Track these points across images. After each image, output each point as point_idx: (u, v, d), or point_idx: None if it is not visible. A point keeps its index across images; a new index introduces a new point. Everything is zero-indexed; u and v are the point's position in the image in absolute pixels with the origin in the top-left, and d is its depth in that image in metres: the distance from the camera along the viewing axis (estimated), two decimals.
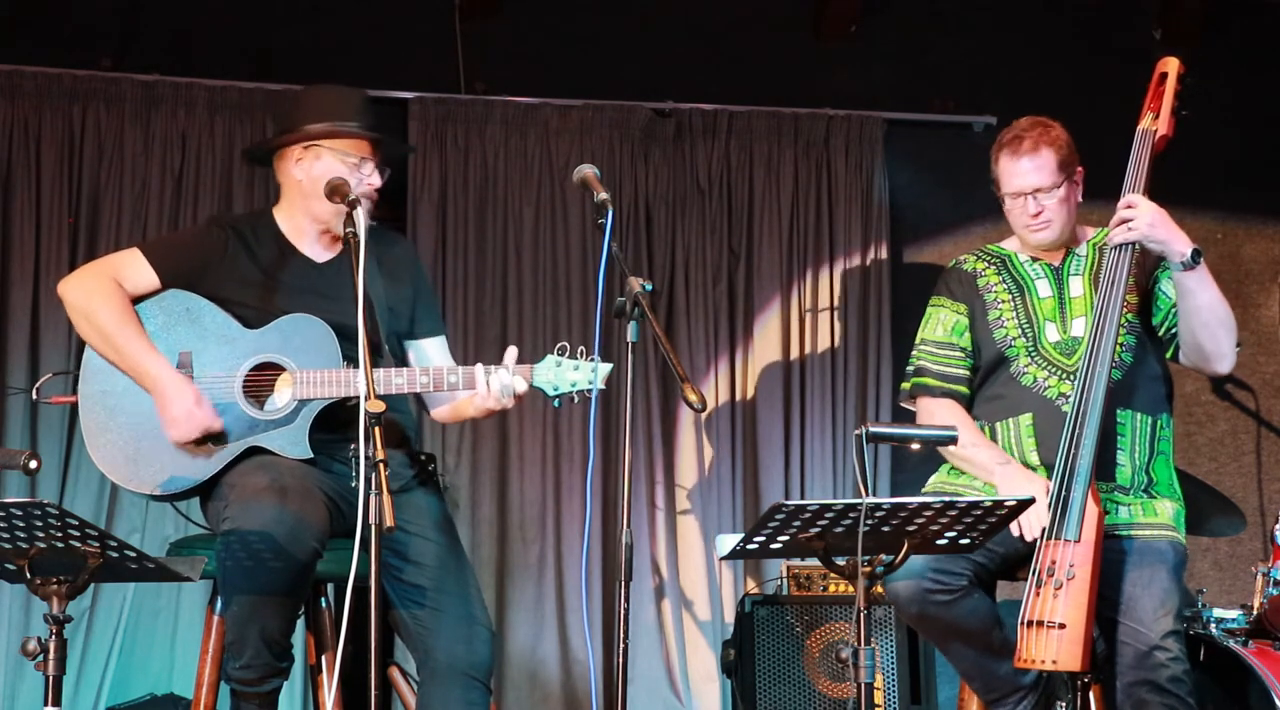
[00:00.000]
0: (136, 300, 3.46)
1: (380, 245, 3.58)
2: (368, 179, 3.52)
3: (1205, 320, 3.51)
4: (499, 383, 3.37)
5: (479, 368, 3.40)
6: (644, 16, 5.72)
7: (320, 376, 3.37)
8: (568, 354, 3.41)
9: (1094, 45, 5.91)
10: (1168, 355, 3.67)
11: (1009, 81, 5.82)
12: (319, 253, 3.57)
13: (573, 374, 3.39)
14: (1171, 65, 3.68)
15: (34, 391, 3.89)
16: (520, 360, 3.43)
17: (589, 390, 3.38)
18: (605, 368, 3.40)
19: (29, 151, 5.22)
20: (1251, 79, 5.92)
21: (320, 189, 3.42)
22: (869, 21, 5.81)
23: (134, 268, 3.48)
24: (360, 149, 3.52)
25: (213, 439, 3.37)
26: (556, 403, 3.42)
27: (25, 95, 5.22)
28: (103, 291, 3.42)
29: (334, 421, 3.35)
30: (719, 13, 5.74)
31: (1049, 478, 3.48)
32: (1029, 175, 3.64)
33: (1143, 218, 3.49)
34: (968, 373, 3.76)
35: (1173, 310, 3.59)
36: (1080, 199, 3.74)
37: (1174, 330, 3.60)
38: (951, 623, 3.46)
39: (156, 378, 3.35)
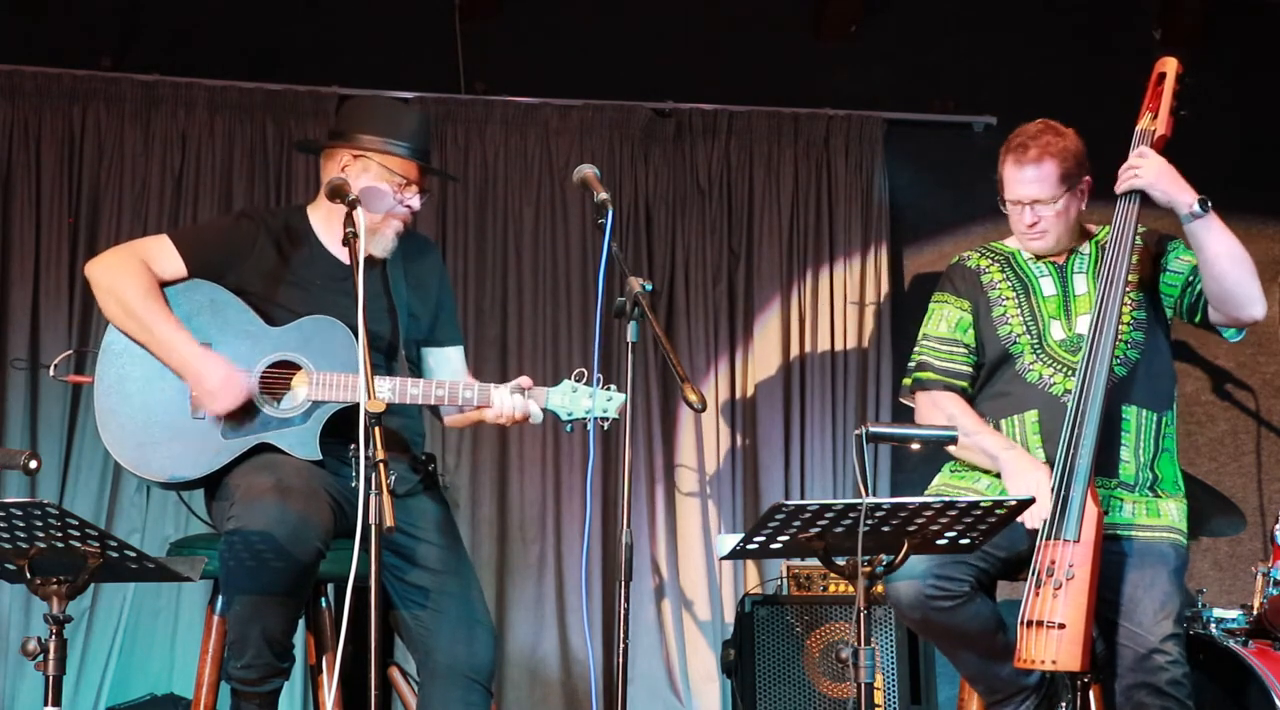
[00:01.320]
0: (162, 286, 3.45)
1: (408, 252, 3.63)
2: (408, 201, 3.54)
3: (1225, 267, 3.46)
4: (514, 402, 3.40)
5: (493, 386, 3.43)
6: (644, 16, 5.72)
7: (336, 379, 3.37)
8: (584, 380, 3.42)
9: (1094, 45, 5.91)
10: (1197, 320, 3.62)
11: (1009, 81, 5.82)
12: (347, 256, 3.56)
13: (587, 401, 3.42)
14: (1170, 65, 3.67)
15: (51, 368, 3.89)
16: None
17: (601, 418, 3.40)
18: (619, 398, 3.41)
19: (29, 151, 5.22)
20: (1251, 79, 5.91)
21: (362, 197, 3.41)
22: (869, 21, 5.81)
23: (163, 254, 3.47)
24: (408, 171, 3.54)
25: (234, 420, 3.36)
26: (569, 427, 3.47)
27: (25, 95, 5.22)
28: (131, 270, 3.42)
29: (345, 425, 3.33)
30: (719, 13, 5.73)
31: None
32: (1029, 185, 3.61)
33: (1150, 168, 3.49)
34: (970, 369, 3.74)
35: (1191, 275, 3.57)
36: (1084, 206, 3.71)
37: (1198, 294, 3.57)
38: (954, 628, 3.46)
39: (185, 354, 3.35)
